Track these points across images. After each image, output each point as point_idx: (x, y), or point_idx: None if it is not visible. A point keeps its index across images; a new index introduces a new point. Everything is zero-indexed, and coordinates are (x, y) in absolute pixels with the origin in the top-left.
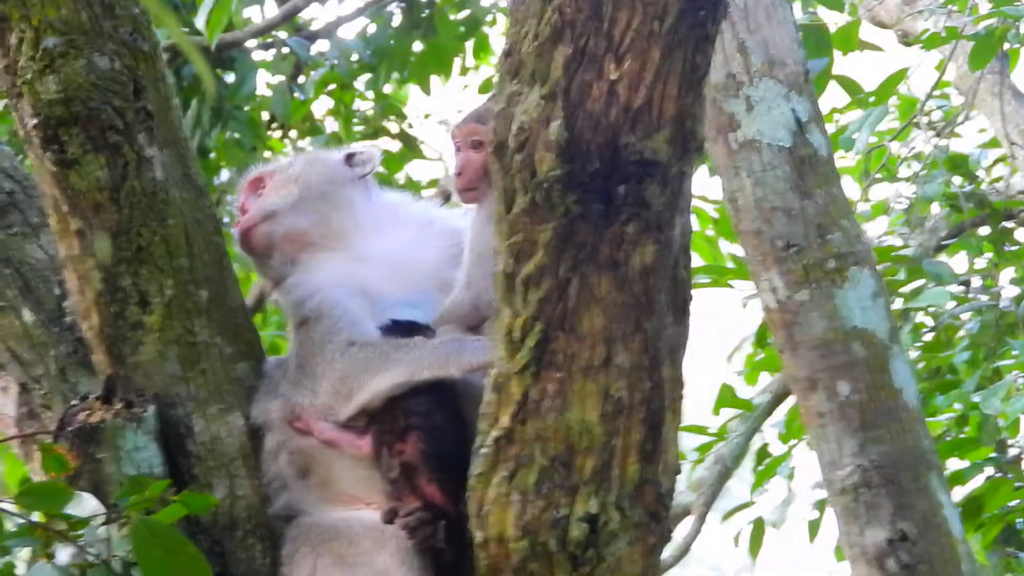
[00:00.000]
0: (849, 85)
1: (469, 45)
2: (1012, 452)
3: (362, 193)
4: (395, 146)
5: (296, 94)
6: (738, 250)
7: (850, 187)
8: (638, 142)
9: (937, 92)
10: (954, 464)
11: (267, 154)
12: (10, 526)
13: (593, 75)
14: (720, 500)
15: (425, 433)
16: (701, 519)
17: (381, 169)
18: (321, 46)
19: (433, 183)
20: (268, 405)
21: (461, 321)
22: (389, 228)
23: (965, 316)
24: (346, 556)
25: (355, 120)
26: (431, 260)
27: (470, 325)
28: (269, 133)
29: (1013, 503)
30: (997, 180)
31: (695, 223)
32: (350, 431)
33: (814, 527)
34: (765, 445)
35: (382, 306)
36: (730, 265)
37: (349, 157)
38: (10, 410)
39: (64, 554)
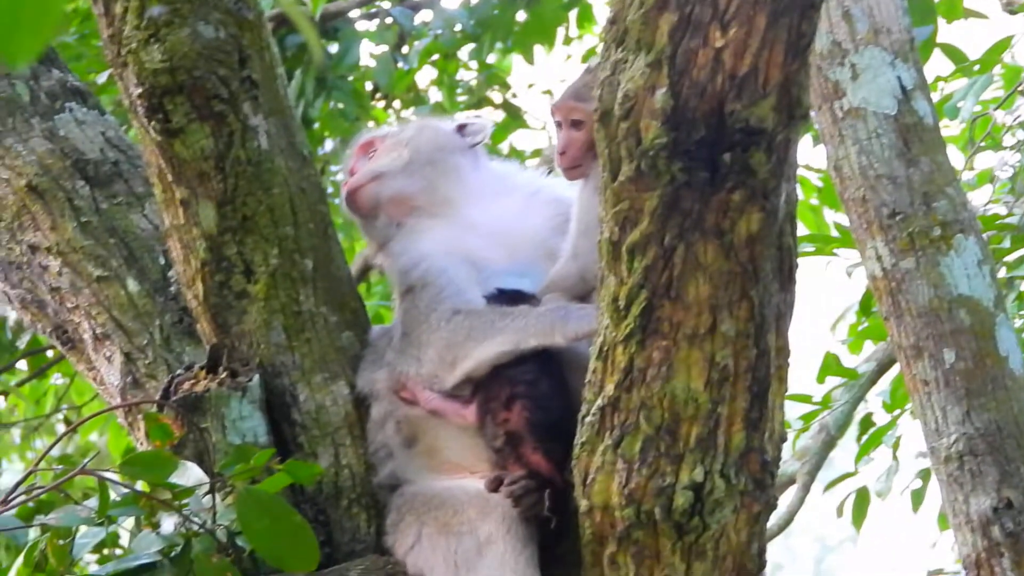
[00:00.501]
0: (953, 53)
1: (573, 15)
2: None
3: (471, 161)
4: (499, 116)
5: (400, 64)
6: (842, 218)
7: (954, 156)
8: (744, 110)
9: None
10: None
11: (371, 124)
12: (115, 496)
13: (699, 42)
14: (823, 470)
15: (531, 402)
16: (805, 488)
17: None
18: (425, 16)
19: (537, 153)
20: (374, 375)
21: (567, 291)
22: (496, 196)
23: None
24: (451, 525)
25: (459, 90)
26: (537, 229)
27: (576, 295)
28: (373, 103)
29: None
30: None
31: (799, 192)
32: (455, 400)
33: (918, 497)
34: (869, 414)
35: (488, 274)
36: (834, 234)
37: (461, 127)
38: (114, 379)
39: (169, 523)
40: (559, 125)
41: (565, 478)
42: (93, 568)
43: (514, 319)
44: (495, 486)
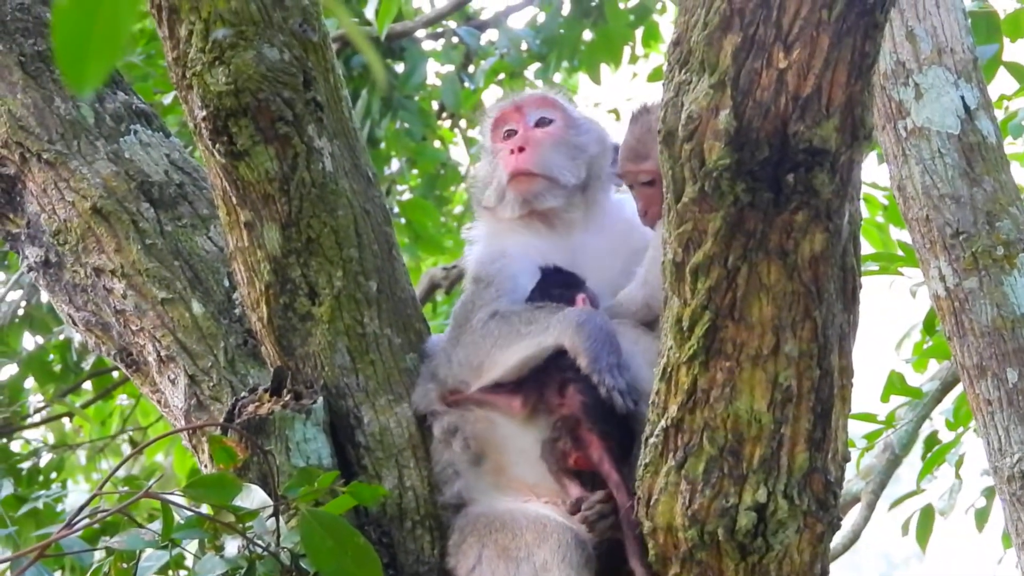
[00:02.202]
0: (1018, 71)
1: (639, 33)
2: None
3: (604, 191)
4: None
5: (466, 83)
6: (907, 236)
7: (1018, 174)
8: (807, 130)
9: None
10: None
11: (436, 144)
12: (178, 518)
13: (762, 63)
14: (890, 487)
15: (583, 384)
16: (870, 507)
17: None
18: (491, 35)
19: None
20: (426, 387)
21: (632, 316)
22: (598, 230)
23: None
24: (509, 549)
25: None
26: (618, 271)
27: (640, 320)
28: (439, 123)
29: None
30: None
31: (864, 210)
32: (502, 391)
33: (982, 516)
34: (934, 432)
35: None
36: (899, 252)
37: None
38: (179, 401)
39: (232, 546)
40: (631, 186)
41: (621, 470)
42: None
43: (536, 324)
44: (575, 509)
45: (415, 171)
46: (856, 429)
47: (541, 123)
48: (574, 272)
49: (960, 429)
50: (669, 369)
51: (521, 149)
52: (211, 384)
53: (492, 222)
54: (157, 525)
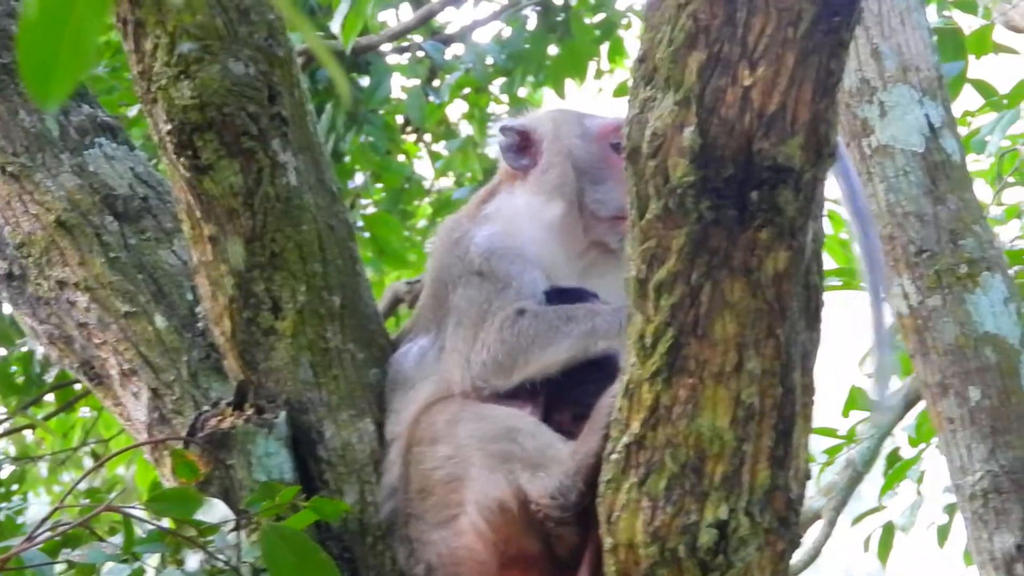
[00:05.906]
0: (983, 88)
1: (604, 49)
2: None
3: None
4: None
5: (431, 98)
6: None
7: (982, 190)
8: (772, 148)
9: None
10: None
11: (401, 158)
12: (140, 532)
13: (727, 81)
14: (851, 504)
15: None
16: (831, 524)
17: None
18: (456, 50)
19: None
20: (405, 414)
21: None
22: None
23: None
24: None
25: (490, 124)
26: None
27: None
28: (404, 137)
29: None
30: None
31: (828, 227)
32: (515, 399)
33: (943, 533)
34: (896, 449)
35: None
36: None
37: None
38: (141, 415)
39: (193, 560)
40: None
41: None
42: None
43: (579, 323)
44: None
45: (379, 185)
46: (816, 444)
47: None
48: (582, 288)
49: (922, 445)
50: (632, 385)
51: None
52: (174, 398)
53: (528, 194)
54: (118, 539)
